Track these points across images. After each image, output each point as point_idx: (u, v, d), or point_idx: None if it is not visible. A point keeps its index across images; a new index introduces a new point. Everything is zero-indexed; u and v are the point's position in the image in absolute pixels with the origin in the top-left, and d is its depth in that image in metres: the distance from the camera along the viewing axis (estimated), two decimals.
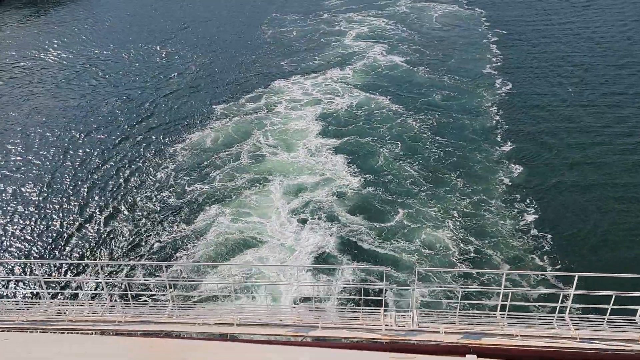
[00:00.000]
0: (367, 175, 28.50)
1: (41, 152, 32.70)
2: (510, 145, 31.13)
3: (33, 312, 10.24)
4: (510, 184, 27.43)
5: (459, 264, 21.94)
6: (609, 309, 9.03)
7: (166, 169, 30.10)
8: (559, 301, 9.32)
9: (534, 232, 23.70)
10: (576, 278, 9.01)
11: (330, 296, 18.44)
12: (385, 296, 9.79)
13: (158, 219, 25.82)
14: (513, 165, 29.08)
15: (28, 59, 50.12)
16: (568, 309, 9.34)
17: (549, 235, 23.35)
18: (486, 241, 23.37)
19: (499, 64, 43.53)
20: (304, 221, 24.95)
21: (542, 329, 9.15)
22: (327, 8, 62.29)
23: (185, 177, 29.20)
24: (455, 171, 28.74)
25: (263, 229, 24.58)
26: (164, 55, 49.45)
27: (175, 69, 45.83)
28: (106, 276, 20.45)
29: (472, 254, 22.56)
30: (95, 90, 42.15)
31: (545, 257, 22.12)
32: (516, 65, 43.20)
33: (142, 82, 43.48)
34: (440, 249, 22.91)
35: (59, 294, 11.18)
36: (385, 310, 9.55)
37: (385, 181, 28.02)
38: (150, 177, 29.49)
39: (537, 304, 10.63)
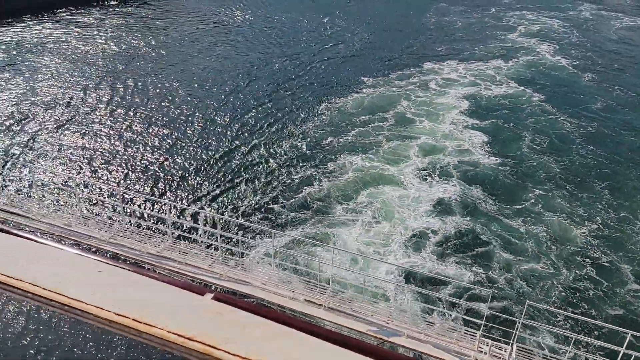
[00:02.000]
0: (504, 158, 26.80)
1: (209, 91, 35.15)
2: None
3: (153, 246, 10.20)
4: None
5: (586, 267, 19.67)
6: None
7: (310, 122, 30.65)
8: None
9: None
10: None
11: (428, 305, 16.21)
12: (485, 321, 8.34)
13: (295, 163, 26.29)
14: None
15: (219, 15, 54.33)
16: None
17: None
18: (621, 255, 20.59)
19: None
20: (432, 176, 24.86)
21: None
22: (499, 4, 58.60)
23: (326, 130, 29.57)
24: (602, 182, 25.64)
25: (393, 175, 24.71)
26: (329, 27, 50.44)
27: (336, 40, 46.53)
28: (222, 229, 19.74)
29: (604, 263, 20.03)
30: (267, 48, 44.20)
31: None
32: None
33: (307, 47, 44.75)
34: (568, 244, 20.70)
35: (181, 237, 11.39)
36: (482, 336, 8.30)
37: (522, 168, 26.05)
38: (293, 127, 30.11)
39: None
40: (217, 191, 23.84)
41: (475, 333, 8.43)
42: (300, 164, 26.15)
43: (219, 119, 30.83)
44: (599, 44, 46.21)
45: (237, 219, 21.52)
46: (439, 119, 30.88)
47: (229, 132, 29.28)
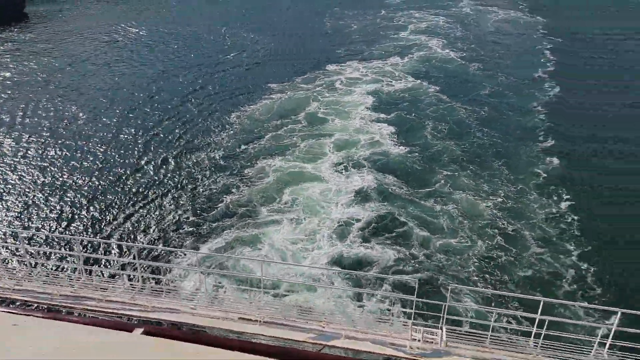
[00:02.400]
0: (412, 146, 28.42)
1: (108, 110, 33.59)
2: (550, 142, 29.88)
3: (65, 286, 9.59)
4: (547, 176, 26.35)
5: (496, 237, 21.27)
6: None
7: (222, 132, 30.28)
8: (598, 336, 8.28)
9: (568, 221, 22.59)
10: (619, 314, 7.90)
11: (360, 302, 16.54)
12: (414, 309, 8.74)
13: (211, 174, 25.82)
14: (553, 160, 27.87)
15: (110, 33, 51.82)
16: (607, 345, 8.14)
17: (582, 227, 22.11)
18: (523, 222, 22.54)
19: (551, 69, 42.01)
20: (348, 169, 25.82)
21: None
22: (388, 5, 61.98)
23: (239, 139, 29.36)
24: (499, 159, 27.87)
25: (312, 172, 25.27)
26: (228, 37, 50.35)
27: (238, 49, 46.62)
28: (141, 259, 18.48)
29: (510, 232, 21.77)
30: (166, 63, 43.10)
31: (574, 244, 21.06)
32: (567, 71, 41.54)
33: (208, 58, 44.37)
34: (477, 218, 22.28)
35: (94, 272, 10.29)
36: (414, 324, 8.63)
37: (428, 153, 27.79)
38: (205, 139, 29.59)
39: (574, 336, 9.59)
40: (129, 214, 22.54)
41: (407, 322, 8.68)
42: (217, 174, 25.64)
43: (122, 137, 29.36)
44: (481, 36, 50.44)
45: (155, 242, 20.46)
46: (348, 116, 32.01)
47: (135, 150, 27.97)
